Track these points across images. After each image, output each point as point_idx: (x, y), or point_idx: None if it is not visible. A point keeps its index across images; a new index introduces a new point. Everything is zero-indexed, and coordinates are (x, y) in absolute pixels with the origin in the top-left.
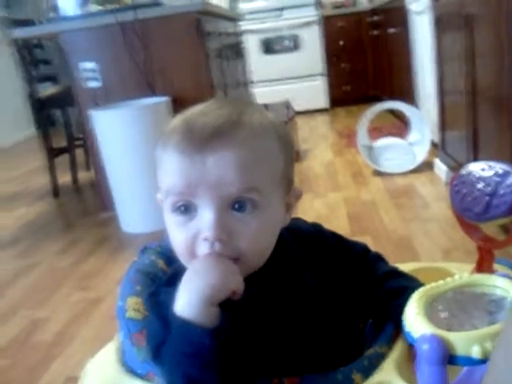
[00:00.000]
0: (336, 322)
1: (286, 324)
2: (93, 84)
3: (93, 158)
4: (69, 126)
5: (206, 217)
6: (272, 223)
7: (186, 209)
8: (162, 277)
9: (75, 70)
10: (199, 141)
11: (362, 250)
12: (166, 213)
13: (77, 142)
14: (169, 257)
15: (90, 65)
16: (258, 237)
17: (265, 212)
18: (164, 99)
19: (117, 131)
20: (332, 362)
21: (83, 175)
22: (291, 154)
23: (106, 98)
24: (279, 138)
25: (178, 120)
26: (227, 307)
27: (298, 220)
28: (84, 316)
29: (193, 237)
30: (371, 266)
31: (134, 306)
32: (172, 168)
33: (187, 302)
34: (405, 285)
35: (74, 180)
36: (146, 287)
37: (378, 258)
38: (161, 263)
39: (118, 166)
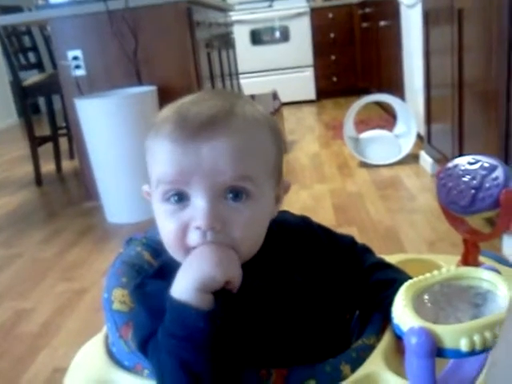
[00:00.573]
0: (323, 314)
1: (273, 315)
2: (77, 72)
3: (77, 147)
4: (52, 115)
5: (198, 205)
6: (264, 213)
7: (178, 198)
8: (148, 269)
9: (62, 57)
10: (192, 129)
11: (350, 242)
12: (156, 203)
13: (61, 131)
14: (155, 248)
15: (75, 53)
16: (251, 226)
17: (258, 201)
18: (150, 88)
19: (102, 120)
20: (320, 354)
21: (67, 164)
22: (281, 147)
23: (91, 86)
24: (271, 130)
25: (169, 110)
26: (221, 296)
27: (285, 213)
28: (69, 307)
29: (184, 226)
30: (359, 257)
31: (120, 298)
32: (164, 157)
33: (184, 287)
34: (392, 276)
35: (58, 169)
36: (132, 279)
37: (366, 250)
38: (146, 255)
39: (102, 155)
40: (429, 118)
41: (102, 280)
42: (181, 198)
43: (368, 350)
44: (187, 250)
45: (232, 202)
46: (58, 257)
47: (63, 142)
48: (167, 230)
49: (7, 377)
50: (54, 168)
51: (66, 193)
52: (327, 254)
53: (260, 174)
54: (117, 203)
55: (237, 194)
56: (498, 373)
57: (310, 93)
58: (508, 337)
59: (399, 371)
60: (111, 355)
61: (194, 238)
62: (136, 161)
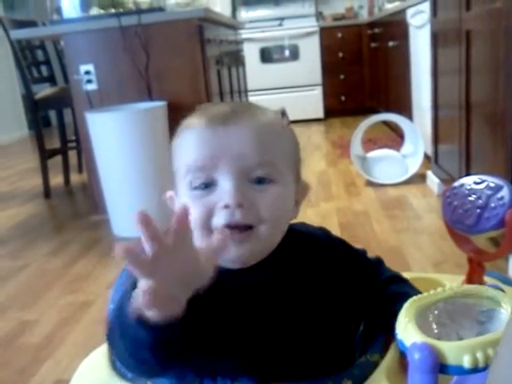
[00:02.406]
0: (331, 322)
1: (285, 315)
2: (89, 86)
3: (86, 161)
4: (63, 128)
5: (225, 186)
6: (287, 199)
7: (206, 185)
8: None
9: (74, 72)
10: (220, 118)
11: (364, 254)
12: (184, 192)
13: (70, 144)
14: None
15: (87, 67)
16: (277, 207)
17: (281, 187)
18: (160, 104)
19: (111, 134)
20: (324, 367)
21: (75, 177)
22: (299, 148)
23: (102, 100)
24: (289, 130)
25: (196, 112)
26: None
27: (304, 223)
28: (73, 319)
29: (210, 208)
30: (374, 269)
31: None
32: (194, 142)
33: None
34: (406, 291)
35: (66, 182)
36: None
37: (380, 263)
38: None
39: (111, 169)
40: (436, 139)
41: (107, 293)
42: (208, 184)
43: (371, 367)
44: (210, 230)
45: (256, 185)
46: (64, 269)
47: (72, 155)
48: (193, 214)
49: None
50: (62, 181)
51: (74, 206)
52: (344, 263)
53: (282, 162)
54: (124, 217)
55: (261, 178)
56: (501, 377)
57: (318, 111)
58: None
59: None
60: (114, 367)
61: (220, 218)
62: (144, 175)
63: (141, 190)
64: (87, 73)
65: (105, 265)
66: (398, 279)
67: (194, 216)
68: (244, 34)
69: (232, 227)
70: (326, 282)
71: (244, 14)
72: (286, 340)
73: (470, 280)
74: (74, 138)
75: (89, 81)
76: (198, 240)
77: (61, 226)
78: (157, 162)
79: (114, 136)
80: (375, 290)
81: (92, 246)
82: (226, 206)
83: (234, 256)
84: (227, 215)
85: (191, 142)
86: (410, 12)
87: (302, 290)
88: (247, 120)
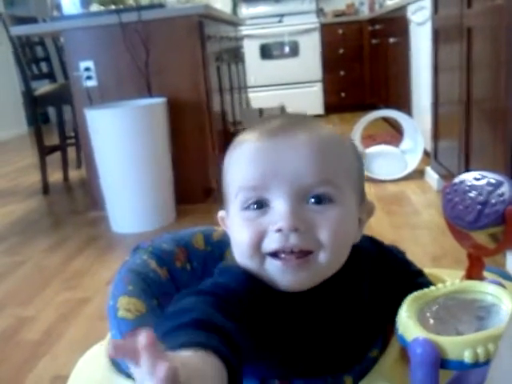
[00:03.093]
0: (371, 328)
1: (328, 332)
2: (89, 83)
3: (85, 157)
4: (62, 124)
5: (279, 208)
6: (349, 222)
7: (258, 205)
8: (154, 277)
9: (74, 68)
10: (274, 134)
11: (404, 257)
12: (235, 213)
13: (69, 141)
14: (160, 257)
15: (87, 64)
16: (339, 229)
17: (342, 208)
18: (160, 100)
19: (111, 130)
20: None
21: (74, 173)
22: (363, 168)
23: (102, 97)
24: (352, 145)
25: (248, 129)
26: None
27: None
28: (71, 315)
29: (262, 231)
30: (409, 270)
31: (125, 305)
32: (245, 159)
33: None
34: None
35: (65, 178)
36: (138, 287)
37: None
38: (152, 263)
39: (110, 165)
40: (436, 135)
41: (105, 289)
42: (261, 204)
43: (371, 362)
44: (262, 256)
45: (314, 206)
46: (63, 265)
47: (71, 152)
48: (243, 236)
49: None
50: (61, 177)
51: (73, 202)
52: (390, 273)
53: (343, 181)
54: (122, 213)
55: (319, 198)
56: (502, 375)
57: (318, 107)
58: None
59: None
60: (114, 363)
61: (273, 241)
62: (143, 172)
63: (140, 187)
64: (87, 69)
65: (103, 261)
66: (423, 274)
67: (244, 239)
68: (244, 30)
69: (286, 252)
70: (374, 294)
71: (244, 11)
72: (332, 347)
73: (470, 275)
74: (72, 134)
75: (88, 77)
76: (248, 264)
77: (59, 223)
78: (156, 158)
79: (113, 132)
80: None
81: (90, 242)
82: (279, 230)
83: (289, 283)
84: (280, 239)
85: (242, 159)
86: (411, 8)
87: (353, 306)
88: (303, 134)
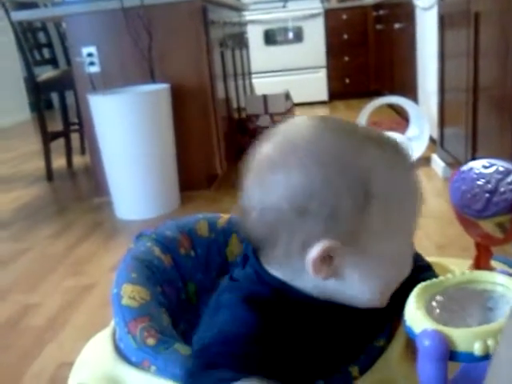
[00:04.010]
0: (370, 322)
1: (338, 331)
2: (92, 69)
3: (89, 143)
4: (65, 110)
5: None
6: None
7: None
8: (158, 264)
9: (76, 54)
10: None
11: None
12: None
13: (73, 127)
14: (164, 244)
15: (89, 49)
16: None
17: None
18: (164, 86)
19: (114, 116)
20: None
21: (78, 160)
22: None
23: (105, 83)
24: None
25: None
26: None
27: None
28: (77, 302)
29: None
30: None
31: (129, 293)
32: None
33: None
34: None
35: (69, 164)
36: (142, 274)
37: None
38: (157, 251)
39: (114, 151)
40: (442, 122)
41: (109, 275)
42: None
43: (377, 351)
44: None
45: None
46: (67, 251)
47: (75, 138)
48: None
49: (13, 370)
50: (65, 163)
51: (77, 188)
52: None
53: None
54: (126, 200)
55: None
56: (500, 372)
57: (322, 94)
58: (510, 334)
59: (409, 375)
60: (118, 350)
61: None
62: (147, 158)
63: (144, 173)
64: (90, 55)
65: (108, 247)
66: (431, 268)
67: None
68: (248, 15)
69: None
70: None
71: None
72: (343, 342)
73: (478, 265)
74: (76, 120)
75: (91, 63)
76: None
77: (63, 209)
78: (160, 144)
79: (116, 118)
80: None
81: (95, 228)
82: None
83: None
84: None
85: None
86: None
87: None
88: None
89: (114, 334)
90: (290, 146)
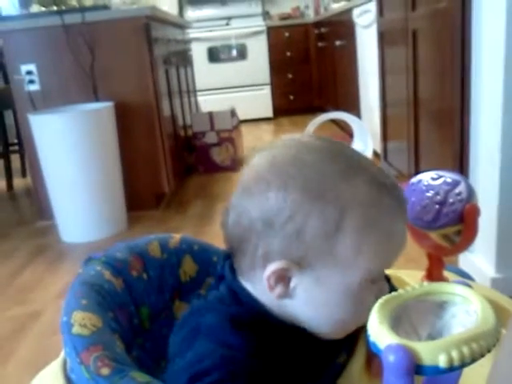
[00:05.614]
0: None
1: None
2: (31, 87)
3: (30, 164)
4: (4, 130)
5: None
6: None
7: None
8: (109, 289)
9: (15, 72)
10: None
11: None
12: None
13: (12, 148)
14: (115, 267)
15: (29, 67)
16: None
17: None
18: (107, 104)
19: (56, 136)
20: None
21: (19, 182)
22: None
23: (46, 101)
24: None
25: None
26: None
27: None
28: (22, 332)
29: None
30: None
31: (80, 321)
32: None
33: None
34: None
35: (9, 187)
36: (92, 300)
37: None
38: (107, 274)
39: (57, 172)
40: (385, 136)
41: (57, 302)
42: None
43: (338, 368)
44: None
45: None
46: (10, 279)
47: (15, 159)
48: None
49: None
50: (4, 186)
51: (18, 212)
52: None
53: None
54: (71, 222)
55: None
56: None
57: (267, 110)
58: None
59: None
60: (70, 383)
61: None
62: (91, 178)
63: (89, 194)
64: (29, 73)
65: (53, 272)
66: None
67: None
68: (191, 33)
69: None
70: None
71: (191, 13)
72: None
73: (430, 275)
74: (16, 140)
75: (31, 81)
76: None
77: (5, 234)
78: (105, 163)
79: (59, 138)
80: None
81: (39, 253)
82: None
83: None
84: None
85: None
86: (356, 12)
87: None
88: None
89: (64, 365)
90: (279, 164)
